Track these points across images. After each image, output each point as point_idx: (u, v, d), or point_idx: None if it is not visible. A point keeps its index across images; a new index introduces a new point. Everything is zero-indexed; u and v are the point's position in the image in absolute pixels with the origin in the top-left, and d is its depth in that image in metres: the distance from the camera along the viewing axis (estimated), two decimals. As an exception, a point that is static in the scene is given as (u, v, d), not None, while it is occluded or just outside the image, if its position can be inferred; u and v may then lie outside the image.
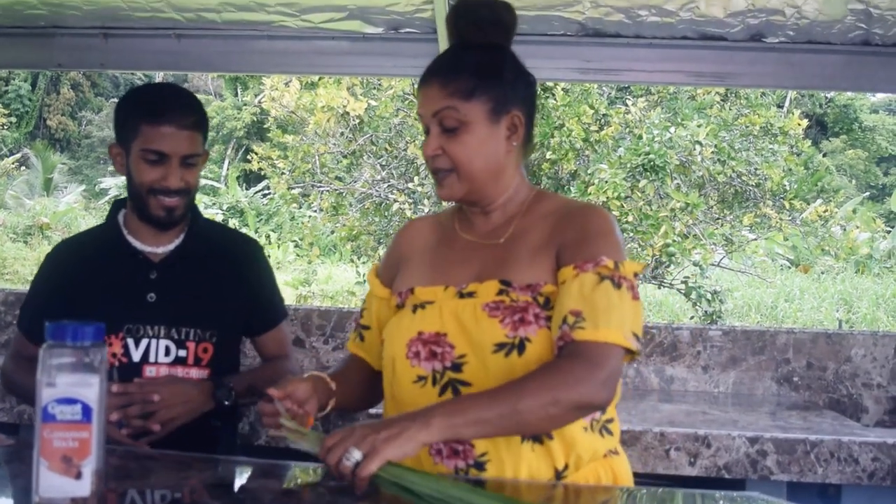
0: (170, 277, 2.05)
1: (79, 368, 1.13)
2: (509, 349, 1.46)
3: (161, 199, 1.97)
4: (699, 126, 7.55)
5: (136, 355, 1.97)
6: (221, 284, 2.09)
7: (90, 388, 1.13)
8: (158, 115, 1.92)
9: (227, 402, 1.95)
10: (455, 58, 1.59)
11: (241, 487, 1.45)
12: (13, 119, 26.38)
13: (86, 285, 2.02)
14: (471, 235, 1.65)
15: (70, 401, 1.12)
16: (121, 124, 2.00)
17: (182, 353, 2.00)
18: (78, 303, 1.99)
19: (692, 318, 7.98)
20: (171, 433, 1.87)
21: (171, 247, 2.07)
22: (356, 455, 1.24)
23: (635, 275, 1.49)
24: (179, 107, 1.96)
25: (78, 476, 1.13)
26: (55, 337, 1.13)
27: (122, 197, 2.15)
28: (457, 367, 1.50)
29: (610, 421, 1.57)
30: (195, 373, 2.01)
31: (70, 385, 1.12)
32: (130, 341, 1.97)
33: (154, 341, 1.99)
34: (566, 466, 1.48)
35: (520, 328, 1.46)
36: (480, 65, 1.56)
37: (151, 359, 1.98)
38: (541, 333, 1.46)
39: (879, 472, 2.43)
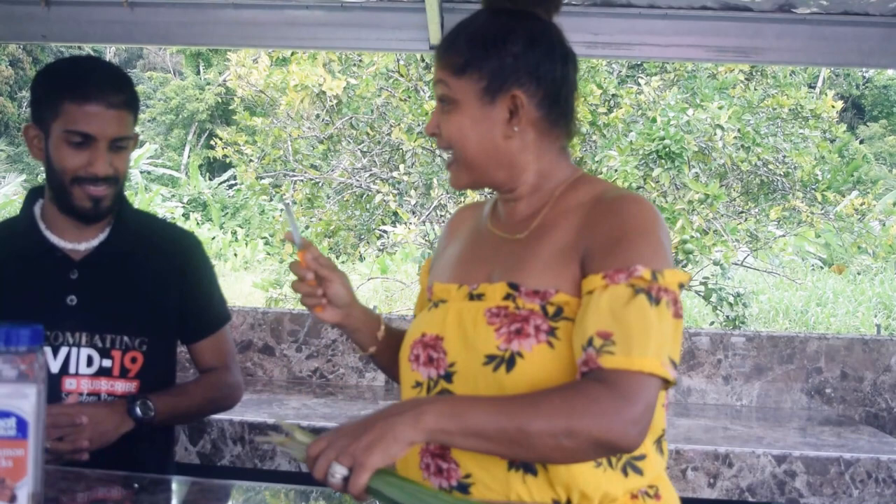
0: (93, 278, 2.02)
1: (13, 377, 1.12)
2: (498, 363, 1.42)
3: (87, 188, 1.94)
4: (720, 108, 7.54)
5: (55, 366, 1.94)
6: (152, 285, 2.08)
7: (26, 400, 1.12)
8: (84, 91, 1.89)
9: (143, 415, 1.91)
10: (461, 26, 1.56)
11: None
12: (-56, 100, 26.30)
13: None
14: (496, 228, 1.62)
15: (3, 414, 1.11)
16: (39, 102, 1.97)
17: (107, 362, 1.98)
18: None
19: (712, 323, 8.00)
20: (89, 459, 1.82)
21: (94, 243, 2.04)
22: (341, 471, 1.23)
23: (681, 286, 1.41)
24: (108, 83, 1.93)
25: (12, 500, 1.12)
26: (-14, 340, 1.13)
27: (38, 185, 2.11)
28: (448, 377, 1.48)
29: (640, 458, 1.47)
30: (121, 385, 1.99)
31: (3, 396, 1.11)
32: (48, 350, 1.94)
33: (74, 350, 1.97)
34: (569, 502, 1.43)
35: (514, 340, 1.42)
36: (478, 35, 1.52)
37: (72, 370, 1.96)
38: (537, 350, 1.41)
39: (923, 495, 2.45)
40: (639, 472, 1.46)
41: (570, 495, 1.42)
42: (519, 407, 1.31)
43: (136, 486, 1.51)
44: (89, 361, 1.97)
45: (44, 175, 2.04)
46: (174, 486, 1.54)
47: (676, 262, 8.68)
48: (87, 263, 2.03)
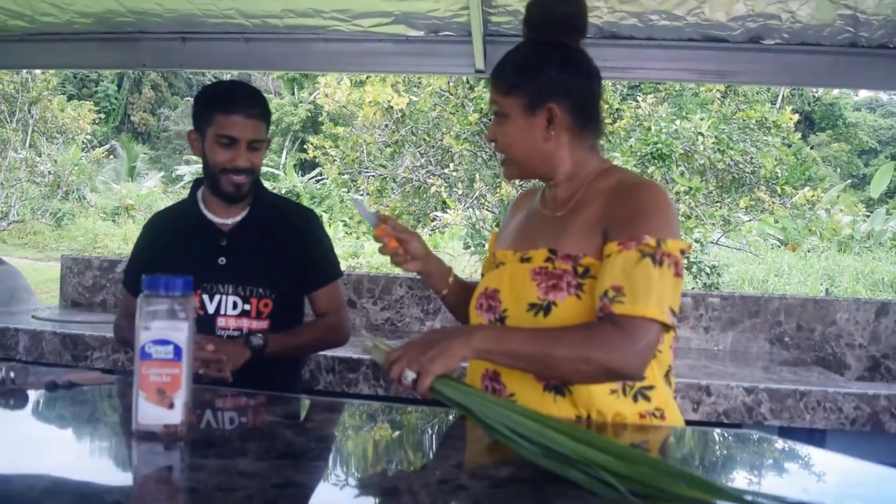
0: (237, 244, 2.12)
1: (171, 315, 1.15)
2: (538, 310, 1.44)
3: (231, 177, 2.04)
4: (701, 119, 7.47)
5: (211, 308, 2.06)
6: (280, 249, 2.14)
7: (181, 332, 1.15)
8: (230, 106, 2.00)
9: (255, 345, 1.98)
10: (507, 56, 1.57)
11: (309, 418, 1.46)
12: (102, 115, 26.59)
13: (170, 250, 2.12)
14: (544, 207, 1.62)
15: (163, 342, 1.14)
16: (198, 114, 2.07)
17: (247, 307, 2.07)
18: (164, 265, 1.99)
19: (692, 288, 7.93)
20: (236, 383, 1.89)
21: (238, 218, 2.14)
22: (411, 375, 1.30)
23: (682, 252, 1.40)
24: (247, 100, 2.03)
25: (170, 406, 1.15)
26: (151, 288, 1.16)
27: (200, 176, 2.21)
28: (502, 320, 1.50)
29: (649, 388, 1.47)
30: (257, 324, 2.08)
31: (163, 329, 1.14)
32: (206, 297, 2.06)
33: (224, 297, 2.07)
34: (588, 417, 1.44)
35: (551, 293, 1.44)
36: (521, 64, 1.53)
37: (222, 311, 2.06)
38: (568, 300, 1.43)
39: (860, 419, 2.42)
40: (647, 398, 1.47)
41: (589, 413, 1.44)
42: (547, 337, 1.35)
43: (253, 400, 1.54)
44: (234, 306, 2.07)
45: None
46: (293, 401, 1.57)
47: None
48: (233, 234, 2.13)
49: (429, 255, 1.72)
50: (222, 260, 2.10)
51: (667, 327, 1.37)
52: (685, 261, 1.45)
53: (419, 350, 1.32)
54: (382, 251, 1.68)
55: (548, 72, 1.51)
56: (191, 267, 1.97)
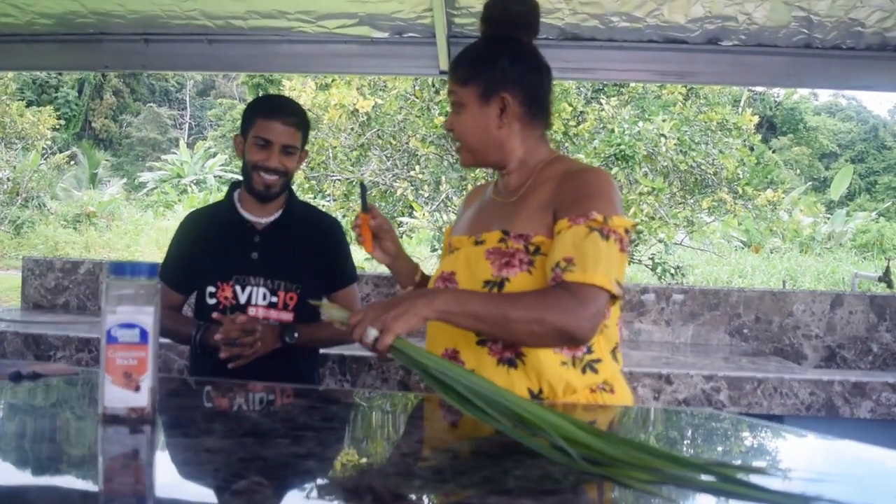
0: (269, 242, 2.29)
1: (137, 299, 1.16)
2: (492, 286, 1.51)
3: (262, 175, 2.22)
4: (664, 121, 7.57)
5: (242, 298, 2.24)
6: (307, 250, 2.32)
7: (147, 316, 1.16)
8: (270, 112, 2.21)
9: (288, 340, 2.17)
10: (466, 49, 1.66)
11: (275, 402, 1.48)
12: (62, 122, 26.24)
13: (207, 245, 2.30)
14: (497, 195, 1.71)
15: (130, 325, 1.15)
16: (244, 120, 2.27)
17: (274, 299, 2.25)
18: (201, 258, 2.28)
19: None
20: (263, 372, 2.05)
21: (271, 219, 2.32)
22: (373, 333, 1.33)
23: (626, 230, 1.49)
24: (285, 109, 2.23)
25: (137, 389, 1.16)
26: (117, 273, 1.17)
27: (238, 180, 2.40)
28: None
29: (597, 361, 1.55)
30: (285, 315, 2.26)
31: (130, 313, 1.15)
32: (238, 288, 2.24)
33: (255, 289, 2.25)
34: (540, 390, 1.51)
35: (504, 269, 1.52)
36: (478, 55, 1.62)
37: (253, 301, 2.24)
38: (520, 276, 1.51)
39: (815, 404, 2.49)
40: (595, 371, 1.55)
41: (540, 385, 1.51)
42: (505, 300, 1.41)
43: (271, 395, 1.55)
44: (264, 297, 2.25)
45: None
46: (258, 387, 1.58)
47: (630, 242, 8.61)
48: (266, 232, 2.30)
49: (399, 255, 1.84)
50: (255, 255, 2.27)
51: (613, 298, 1.45)
52: (630, 238, 1.53)
53: (382, 309, 1.36)
54: (354, 230, 1.81)
55: (501, 63, 1.60)
56: (226, 260, 2.25)
